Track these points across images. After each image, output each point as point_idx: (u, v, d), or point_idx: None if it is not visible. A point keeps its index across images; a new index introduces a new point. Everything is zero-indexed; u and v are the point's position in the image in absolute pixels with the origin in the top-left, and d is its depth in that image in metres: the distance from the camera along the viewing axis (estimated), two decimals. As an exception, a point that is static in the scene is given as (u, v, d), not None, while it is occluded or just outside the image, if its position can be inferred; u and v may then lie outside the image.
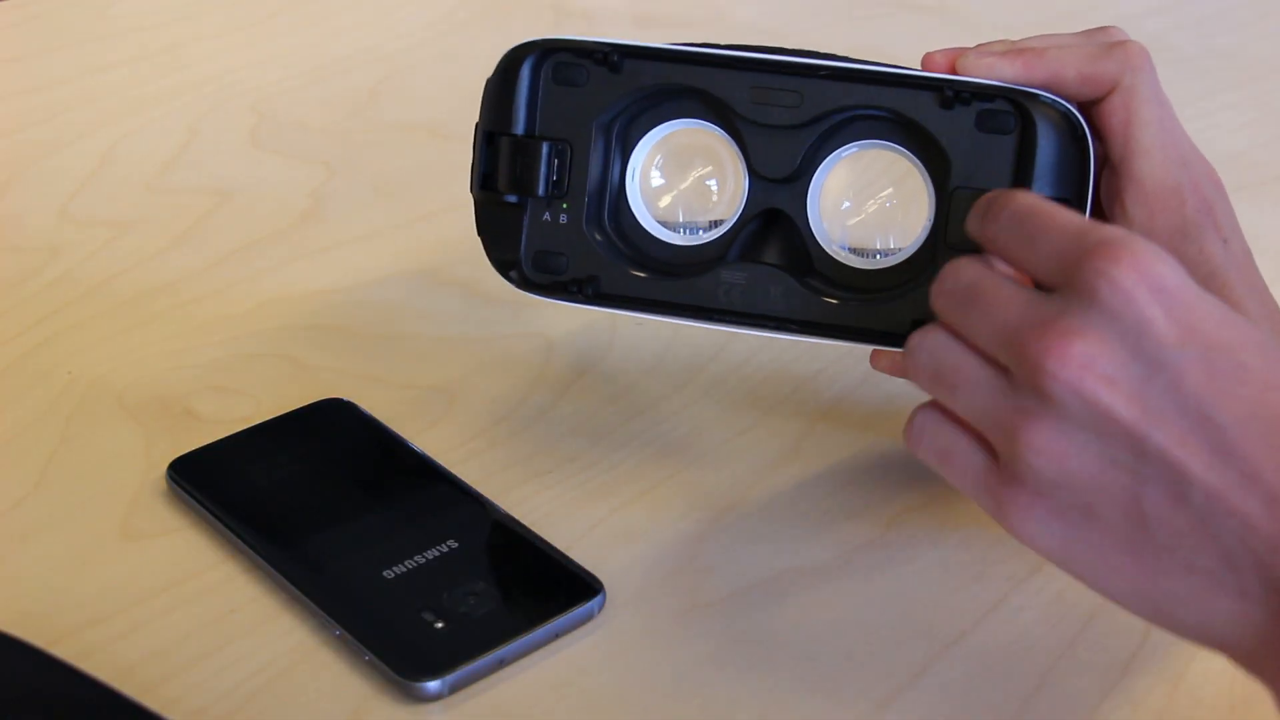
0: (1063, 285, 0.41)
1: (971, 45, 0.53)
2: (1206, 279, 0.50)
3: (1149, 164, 0.50)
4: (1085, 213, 0.50)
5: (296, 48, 0.87)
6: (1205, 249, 0.50)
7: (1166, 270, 0.40)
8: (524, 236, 0.55)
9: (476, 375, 0.61)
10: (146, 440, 0.57)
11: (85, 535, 0.52)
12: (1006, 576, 0.52)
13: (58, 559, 0.51)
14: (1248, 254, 0.52)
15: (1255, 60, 0.91)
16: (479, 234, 0.56)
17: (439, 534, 0.51)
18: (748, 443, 0.58)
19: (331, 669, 0.47)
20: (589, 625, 0.49)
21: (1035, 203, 0.44)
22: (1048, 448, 0.41)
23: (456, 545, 0.50)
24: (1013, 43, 0.51)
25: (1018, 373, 0.41)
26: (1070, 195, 0.50)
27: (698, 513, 0.54)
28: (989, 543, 0.53)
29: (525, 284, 0.55)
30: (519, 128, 0.55)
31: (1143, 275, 0.40)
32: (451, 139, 0.77)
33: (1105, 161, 0.52)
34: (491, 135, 0.55)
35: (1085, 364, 0.40)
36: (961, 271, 0.44)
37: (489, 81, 0.55)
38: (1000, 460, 0.42)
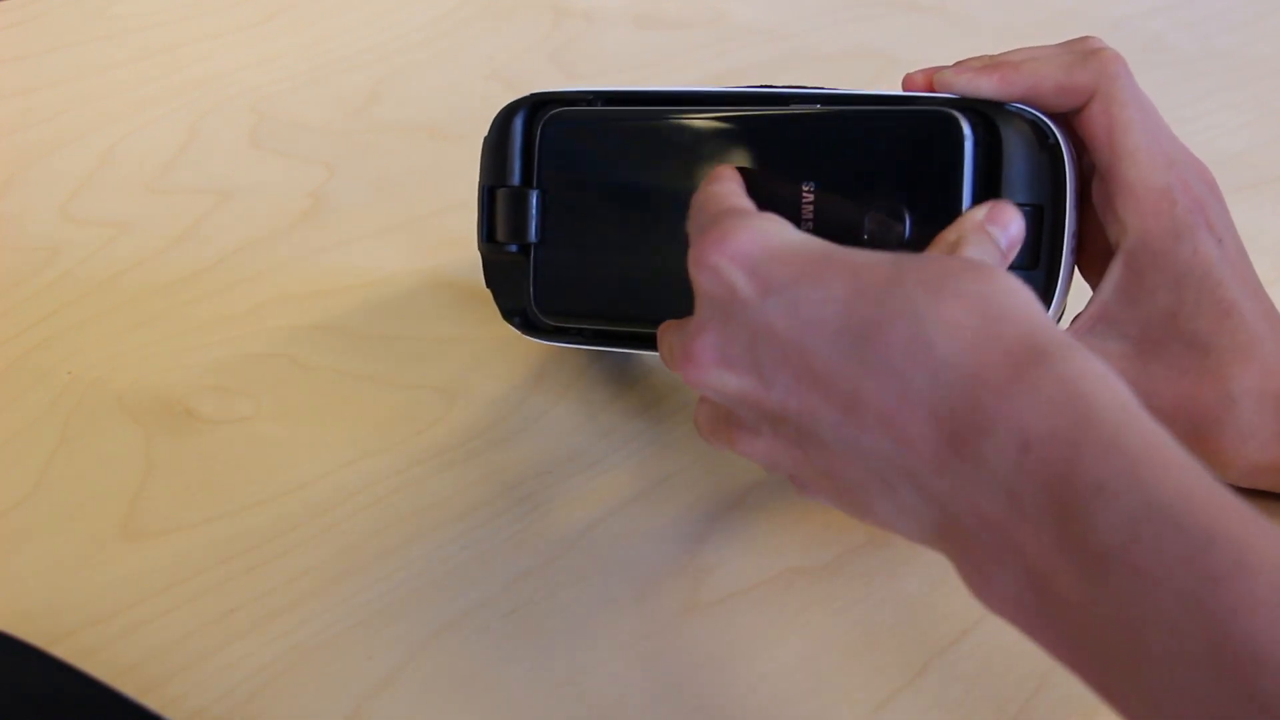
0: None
1: (966, 47, 0.53)
2: (1201, 278, 0.50)
3: (1134, 168, 0.50)
4: (1065, 220, 0.50)
5: (296, 48, 0.87)
6: (1199, 249, 0.50)
7: (748, 235, 0.42)
8: (528, 283, 0.57)
9: (476, 375, 0.61)
10: (146, 440, 0.57)
11: (85, 535, 0.52)
12: (1006, 576, 0.52)
13: (58, 559, 0.51)
14: (1242, 252, 0.52)
15: (1255, 60, 0.91)
16: (488, 286, 0.59)
17: None
18: (748, 443, 0.58)
19: (331, 669, 0.48)
20: (588, 626, 0.49)
21: (695, 198, 0.47)
22: (753, 454, 0.44)
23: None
24: (990, 58, 0.52)
25: None
26: (1044, 202, 0.50)
27: (698, 513, 0.54)
28: (989, 543, 0.53)
29: (530, 329, 0.58)
30: (515, 179, 0.57)
31: (725, 248, 0.42)
32: (451, 139, 0.77)
33: (1094, 170, 0.52)
34: (492, 190, 0.57)
35: (704, 359, 0.42)
36: (660, 337, 0.48)
37: (485, 140, 0.58)
38: None
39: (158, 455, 0.56)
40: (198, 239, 0.69)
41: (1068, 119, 0.52)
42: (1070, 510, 0.34)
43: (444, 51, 0.87)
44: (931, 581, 0.52)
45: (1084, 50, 0.51)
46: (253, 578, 0.51)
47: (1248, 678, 0.31)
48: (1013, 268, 0.50)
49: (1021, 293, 0.39)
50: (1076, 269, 0.53)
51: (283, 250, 0.69)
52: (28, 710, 0.43)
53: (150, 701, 0.44)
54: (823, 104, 0.52)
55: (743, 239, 0.42)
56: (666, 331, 0.48)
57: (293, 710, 0.46)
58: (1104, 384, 0.36)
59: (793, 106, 0.52)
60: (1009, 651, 0.49)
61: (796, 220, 0.49)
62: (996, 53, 0.52)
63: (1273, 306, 0.52)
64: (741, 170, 0.50)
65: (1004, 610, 0.38)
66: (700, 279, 0.42)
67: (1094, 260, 0.53)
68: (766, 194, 0.49)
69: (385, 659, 0.48)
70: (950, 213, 0.48)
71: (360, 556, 0.52)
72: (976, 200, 0.49)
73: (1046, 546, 0.35)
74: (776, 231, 0.42)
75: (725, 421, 0.45)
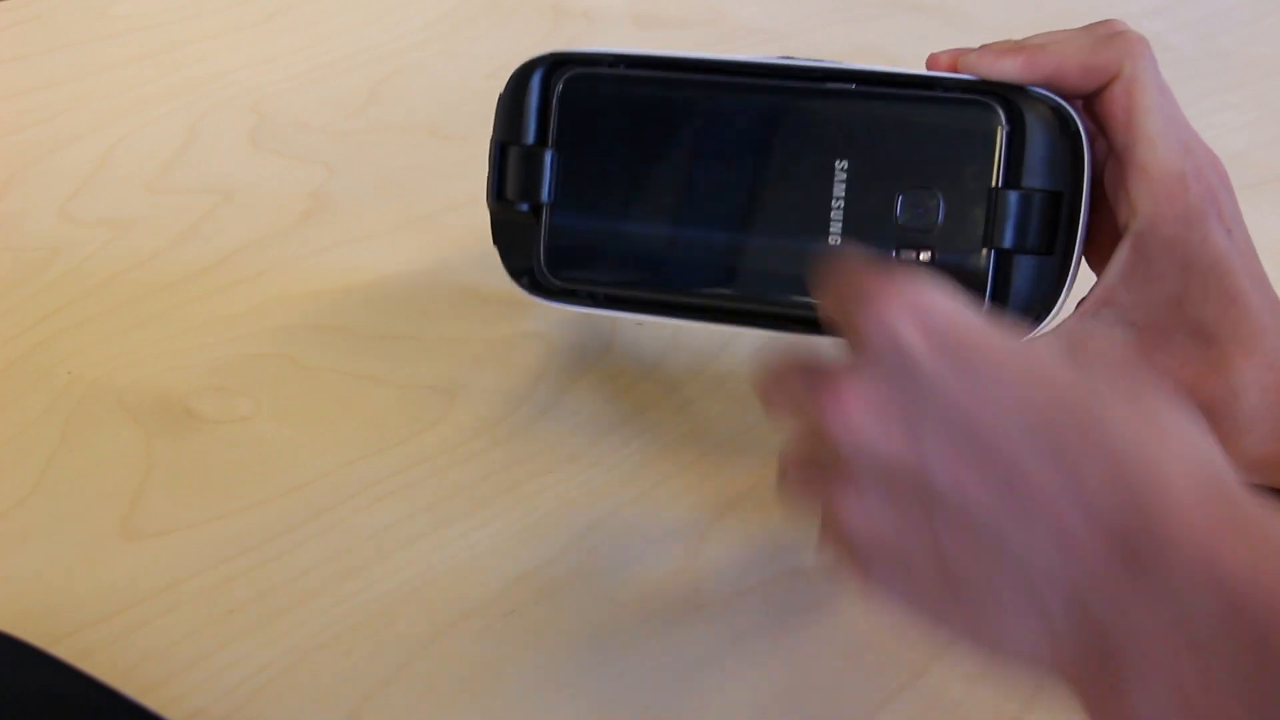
0: (849, 339, 0.40)
1: (971, 45, 0.53)
2: (1209, 266, 0.50)
3: (1151, 151, 0.50)
4: (1081, 204, 0.50)
5: (296, 48, 0.87)
6: (1209, 236, 0.50)
7: (929, 294, 0.39)
8: (537, 244, 0.56)
9: (476, 375, 0.61)
10: (146, 440, 0.57)
11: (85, 535, 0.52)
12: (1006, 576, 0.52)
13: (58, 559, 0.51)
14: (1250, 245, 0.52)
15: (1255, 60, 0.91)
16: (495, 244, 0.58)
17: None
18: (749, 442, 0.58)
19: (331, 669, 0.48)
20: (588, 626, 0.49)
21: (838, 257, 0.42)
22: (850, 516, 0.40)
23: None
24: (1015, 41, 0.52)
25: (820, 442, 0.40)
26: (1063, 188, 0.51)
27: (698, 512, 0.54)
28: (989, 543, 0.53)
29: (538, 290, 0.57)
30: (530, 138, 0.56)
31: (905, 305, 0.39)
32: (451, 139, 0.77)
33: (1110, 152, 0.52)
34: (504, 147, 0.56)
35: (858, 414, 0.39)
36: (763, 358, 0.43)
37: (500, 96, 0.57)
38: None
39: (158, 455, 0.56)
40: (198, 239, 0.69)
41: (1085, 101, 0.52)
42: (1270, 668, 0.33)
43: (444, 51, 0.87)
44: (931, 581, 0.52)
45: (1108, 32, 0.51)
46: (253, 578, 0.51)
47: None
48: (1030, 253, 0.51)
49: (1202, 423, 0.38)
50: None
51: (283, 250, 0.69)
52: (28, 710, 0.43)
53: (150, 701, 0.44)
54: (856, 82, 0.52)
55: (920, 296, 0.39)
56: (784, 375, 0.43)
57: (293, 710, 0.46)
58: None
59: (827, 84, 0.52)
60: (1009, 651, 0.49)
61: (829, 196, 0.51)
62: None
63: (1277, 300, 0.52)
64: (774, 143, 0.51)
65: None
66: (870, 335, 0.39)
67: (1098, 246, 0.53)
68: (800, 167, 0.50)
69: (385, 659, 0.48)
70: (980, 197, 0.50)
71: (360, 556, 0.52)
72: (1005, 185, 0.50)
73: (1220, 691, 0.34)
74: (945, 292, 0.40)
75: (826, 471, 0.41)
